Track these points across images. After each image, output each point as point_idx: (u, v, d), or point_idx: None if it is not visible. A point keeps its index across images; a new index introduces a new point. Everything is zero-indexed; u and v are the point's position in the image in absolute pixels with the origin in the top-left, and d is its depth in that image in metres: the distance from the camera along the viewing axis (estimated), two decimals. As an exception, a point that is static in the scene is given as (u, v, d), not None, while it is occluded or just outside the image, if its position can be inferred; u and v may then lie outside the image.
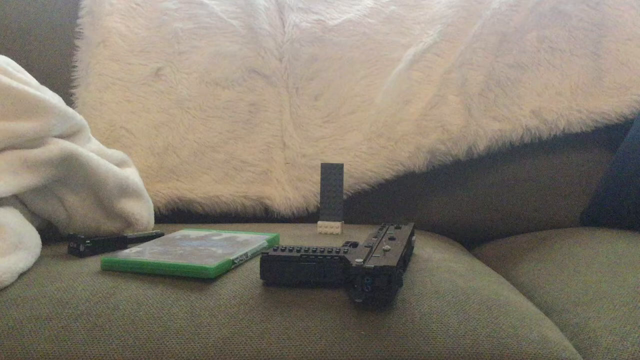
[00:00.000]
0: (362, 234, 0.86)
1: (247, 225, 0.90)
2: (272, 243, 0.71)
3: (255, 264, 0.63)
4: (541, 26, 1.04)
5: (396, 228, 0.69)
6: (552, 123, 1.00)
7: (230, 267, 0.60)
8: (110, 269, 0.61)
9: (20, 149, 0.68)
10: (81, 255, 0.68)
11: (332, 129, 1.04)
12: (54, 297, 0.55)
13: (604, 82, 1.03)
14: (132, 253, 0.63)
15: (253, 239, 0.70)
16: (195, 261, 0.59)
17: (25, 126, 0.68)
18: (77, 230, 0.77)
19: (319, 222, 0.85)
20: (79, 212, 0.75)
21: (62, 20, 1.09)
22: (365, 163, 1.00)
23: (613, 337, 0.57)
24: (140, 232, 0.77)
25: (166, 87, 1.04)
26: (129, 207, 0.77)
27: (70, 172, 0.73)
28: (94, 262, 0.64)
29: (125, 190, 0.77)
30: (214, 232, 0.74)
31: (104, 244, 0.70)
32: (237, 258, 0.61)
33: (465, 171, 1.02)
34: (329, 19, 1.10)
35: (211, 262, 0.58)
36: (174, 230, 0.79)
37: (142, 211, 0.79)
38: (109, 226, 0.78)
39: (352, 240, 0.63)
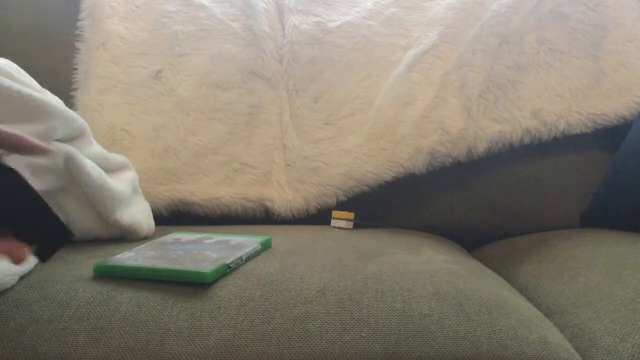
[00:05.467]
0: (361, 236, 0.86)
1: (240, 228, 0.90)
2: (265, 246, 0.71)
3: (253, 266, 0.63)
4: (540, 28, 1.04)
5: None
6: (552, 124, 1.00)
7: (225, 271, 0.60)
8: (103, 275, 0.60)
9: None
10: None
11: (332, 130, 1.04)
12: (54, 299, 0.55)
13: (603, 84, 1.03)
14: (124, 258, 0.63)
15: (246, 242, 0.70)
16: (191, 265, 0.59)
17: (28, 129, 0.68)
18: (75, 237, 0.77)
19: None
20: (78, 220, 0.75)
21: (62, 22, 1.09)
22: (365, 165, 1.00)
23: (613, 339, 0.57)
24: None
25: (166, 89, 1.04)
26: (127, 218, 0.77)
27: (72, 180, 0.73)
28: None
29: (121, 202, 0.77)
30: (205, 235, 0.74)
31: None
32: (232, 262, 0.61)
33: (465, 173, 1.02)
34: (329, 21, 1.11)
35: (207, 267, 0.58)
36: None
37: (140, 219, 0.80)
38: (108, 235, 0.78)
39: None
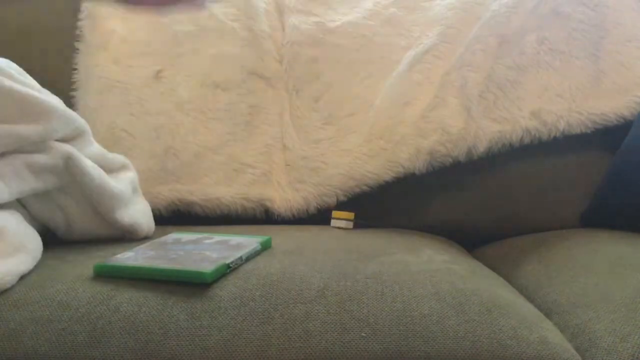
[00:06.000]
0: (361, 236, 0.86)
1: (240, 228, 0.90)
2: (265, 246, 0.71)
3: (253, 266, 0.63)
4: (540, 28, 1.04)
5: None
6: (552, 124, 1.00)
7: (225, 271, 0.60)
8: (103, 275, 0.60)
9: (24, 153, 0.69)
10: None
11: (332, 130, 1.04)
12: (54, 299, 0.55)
13: (603, 84, 1.03)
14: (124, 258, 0.63)
15: (246, 242, 0.70)
16: (191, 265, 0.59)
17: (28, 129, 0.68)
18: (75, 237, 0.77)
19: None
20: (77, 220, 0.76)
21: (62, 22, 1.09)
22: (365, 165, 1.00)
23: (613, 339, 0.57)
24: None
25: (166, 89, 1.04)
26: (127, 218, 0.78)
27: (72, 180, 0.73)
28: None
29: (121, 202, 0.77)
30: (205, 235, 0.74)
31: None
32: (232, 262, 0.61)
33: (465, 173, 1.02)
34: (329, 21, 1.11)
35: (207, 267, 0.58)
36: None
37: (140, 220, 0.80)
38: (108, 235, 0.78)
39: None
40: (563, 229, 0.98)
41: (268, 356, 0.50)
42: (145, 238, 0.80)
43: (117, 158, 0.84)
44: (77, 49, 1.08)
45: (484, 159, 1.00)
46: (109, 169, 0.80)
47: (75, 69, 1.06)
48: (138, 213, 0.81)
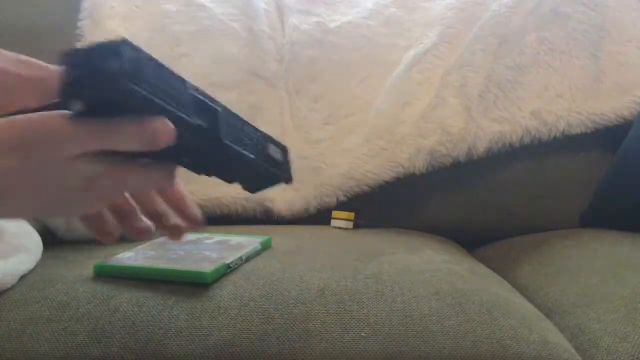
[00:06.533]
0: (361, 236, 0.86)
1: (240, 228, 0.90)
2: (265, 246, 0.71)
3: (253, 266, 0.63)
4: (540, 28, 1.04)
5: None
6: (552, 124, 1.00)
7: (225, 271, 0.60)
8: (103, 275, 0.60)
9: None
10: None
11: (332, 131, 1.04)
12: (54, 299, 0.55)
13: (603, 84, 1.03)
14: (124, 258, 0.63)
15: (246, 242, 0.70)
16: (191, 265, 0.59)
17: None
18: (75, 237, 0.77)
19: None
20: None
21: (62, 22, 1.09)
22: (365, 165, 1.00)
23: (613, 339, 0.57)
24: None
25: (166, 89, 1.04)
26: None
27: None
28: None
29: None
30: (205, 235, 0.74)
31: None
32: (232, 262, 0.61)
33: (465, 173, 1.02)
34: (329, 21, 1.11)
35: (207, 267, 0.58)
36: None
37: None
38: None
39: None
40: (563, 229, 0.98)
41: (268, 356, 0.50)
42: (145, 238, 0.80)
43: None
44: (77, 49, 1.08)
45: (484, 159, 1.00)
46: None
47: (76, 69, 1.06)
48: (138, 213, 0.81)
